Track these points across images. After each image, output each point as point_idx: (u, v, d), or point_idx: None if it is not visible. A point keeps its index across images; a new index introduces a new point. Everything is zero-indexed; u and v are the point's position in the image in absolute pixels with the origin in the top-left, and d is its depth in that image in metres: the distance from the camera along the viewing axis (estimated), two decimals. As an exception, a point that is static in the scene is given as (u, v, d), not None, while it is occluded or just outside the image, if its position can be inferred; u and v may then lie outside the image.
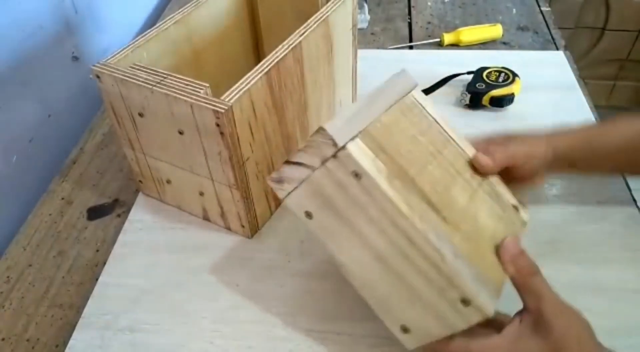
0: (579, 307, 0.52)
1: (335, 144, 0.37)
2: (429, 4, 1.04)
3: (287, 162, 0.41)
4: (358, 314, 0.53)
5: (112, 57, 0.55)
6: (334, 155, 0.38)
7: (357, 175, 0.38)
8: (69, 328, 0.54)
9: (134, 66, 0.53)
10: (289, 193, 0.42)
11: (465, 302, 0.39)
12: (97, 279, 0.58)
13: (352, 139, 0.38)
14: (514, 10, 1.00)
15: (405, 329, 0.43)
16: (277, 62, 0.53)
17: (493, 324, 0.40)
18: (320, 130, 0.38)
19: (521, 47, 0.91)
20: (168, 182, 0.62)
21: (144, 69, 0.53)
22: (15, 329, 0.55)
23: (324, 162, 0.39)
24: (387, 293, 0.42)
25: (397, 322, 0.43)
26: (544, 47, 0.90)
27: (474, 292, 0.38)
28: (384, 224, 0.39)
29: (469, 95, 0.75)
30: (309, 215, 0.42)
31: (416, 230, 0.38)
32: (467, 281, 0.38)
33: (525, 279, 0.40)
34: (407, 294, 0.41)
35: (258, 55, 0.78)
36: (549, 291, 0.40)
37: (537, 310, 0.39)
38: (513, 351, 0.38)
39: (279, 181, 0.42)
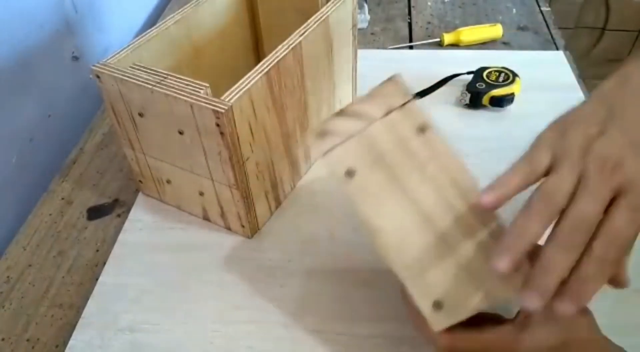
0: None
1: (406, 94, 0.36)
2: (429, 4, 1.04)
3: (340, 112, 0.38)
4: (358, 314, 0.53)
5: (112, 57, 0.55)
6: (402, 105, 0.37)
7: (422, 129, 0.37)
8: (69, 328, 0.54)
9: (134, 66, 0.53)
10: (331, 149, 0.38)
11: None
12: (97, 279, 0.58)
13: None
14: (514, 10, 1.00)
15: (438, 305, 0.40)
16: (277, 62, 0.53)
17: (494, 320, 0.41)
18: (392, 79, 0.37)
19: (521, 47, 0.91)
20: (168, 182, 0.62)
21: (144, 69, 0.53)
22: (15, 329, 0.55)
23: (388, 113, 0.37)
24: (428, 261, 0.39)
25: (431, 296, 0.40)
26: (544, 47, 0.90)
27: None
28: (441, 181, 0.38)
29: (469, 95, 0.75)
30: (350, 173, 0.38)
31: (475, 186, 0.37)
32: None
33: None
34: (453, 260, 0.39)
35: (258, 55, 0.78)
36: None
37: None
38: (527, 339, 0.38)
39: (323, 134, 0.38)
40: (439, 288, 0.39)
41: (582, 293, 0.34)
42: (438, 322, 0.40)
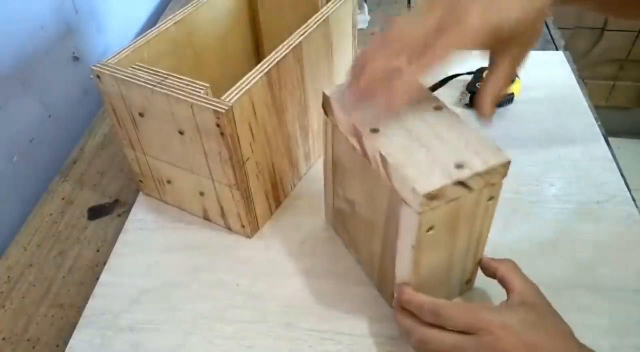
0: (578, 307, 0.52)
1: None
2: (429, 4, 1.04)
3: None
4: (358, 314, 0.53)
5: (113, 57, 0.55)
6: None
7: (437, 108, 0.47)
8: (70, 328, 0.54)
9: (135, 66, 0.53)
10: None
11: None
12: (97, 279, 0.58)
13: None
14: (514, 11, 1.00)
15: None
16: (277, 62, 0.53)
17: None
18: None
19: (521, 47, 0.91)
20: (168, 182, 0.62)
21: (144, 69, 0.53)
22: (16, 329, 0.55)
23: None
24: None
25: None
26: (543, 47, 0.90)
27: None
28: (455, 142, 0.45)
29: (469, 95, 0.75)
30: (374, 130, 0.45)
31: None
32: None
33: (514, 270, 0.47)
34: None
35: (258, 55, 0.78)
36: (528, 279, 0.46)
37: (524, 289, 0.45)
38: (505, 315, 0.42)
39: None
40: None
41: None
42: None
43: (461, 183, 0.40)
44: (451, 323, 0.42)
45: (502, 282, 0.47)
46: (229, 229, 0.62)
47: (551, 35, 0.93)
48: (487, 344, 0.40)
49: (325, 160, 0.55)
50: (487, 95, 0.45)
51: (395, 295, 0.48)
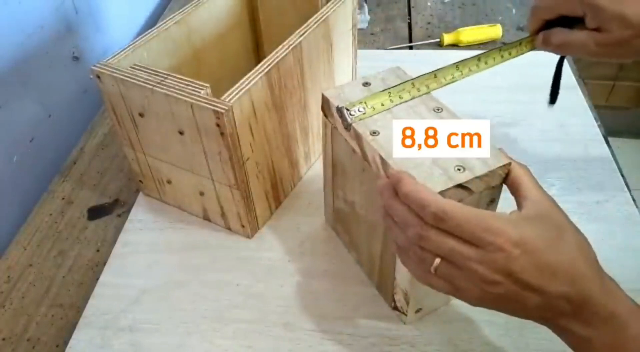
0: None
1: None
2: (429, 4, 1.04)
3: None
4: (358, 314, 0.53)
5: (113, 57, 0.55)
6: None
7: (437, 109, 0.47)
8: (70, 328, 0.54)
9: (134, 66, 0.53)
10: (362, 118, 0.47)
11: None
12: (97, 279, 0.58)
13: None
14: (514, 11, 1.01)
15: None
16: (277, 62, 0.53)
17: None
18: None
19: (521, 47, 0.91)
20: (168, 182, 0.62)
21: (144, 69, 0.53)
22: (16, 329, 0.55)
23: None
24: None
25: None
26: (543, 47, 0.90)
27: None
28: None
29: None
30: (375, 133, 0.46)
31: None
32: None
33: (530, 175, 0.41)
34: None
35: (258, 55, 0.78)
36: (543, 188, 0.40)
37: (541, 199, 0.39)
38: (522, 229, 0.36)
39: (352, 105, 0.47)
40: None
41: None
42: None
43: (461, 186, 0.40)
44: (457, 231, 0.36)
45: (514, 187, 0.41)
46: (229, 229, 0.62)
47: (551, 36, 0.93)
48: (495, 261, 0.35)
49: (324, 161, 0.55)
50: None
51: (385, 178, 0.40)
